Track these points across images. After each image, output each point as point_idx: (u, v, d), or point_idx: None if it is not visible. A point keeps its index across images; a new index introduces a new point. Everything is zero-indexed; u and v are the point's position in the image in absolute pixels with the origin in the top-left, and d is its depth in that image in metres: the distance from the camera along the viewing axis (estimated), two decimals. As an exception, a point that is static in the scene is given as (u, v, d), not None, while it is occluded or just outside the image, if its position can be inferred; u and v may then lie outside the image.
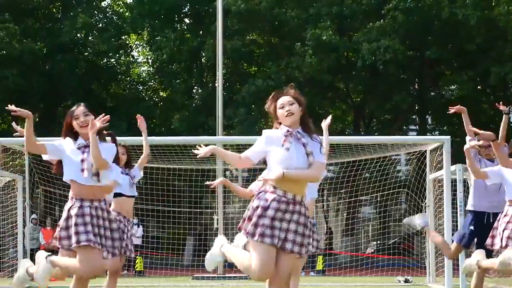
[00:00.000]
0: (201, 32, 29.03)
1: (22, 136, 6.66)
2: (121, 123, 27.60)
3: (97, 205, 6.43)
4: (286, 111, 5.61)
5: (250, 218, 5.53)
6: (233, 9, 26.52)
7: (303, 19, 26.86)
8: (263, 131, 5.73)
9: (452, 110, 9.66)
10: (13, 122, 6.70)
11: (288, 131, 5.58)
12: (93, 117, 6.43)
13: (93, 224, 6.36)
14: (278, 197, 5.49)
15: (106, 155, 6.41)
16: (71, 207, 6.40)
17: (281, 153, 5.50)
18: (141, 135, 9.44)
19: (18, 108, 6.41)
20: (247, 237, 5.52)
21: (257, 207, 5.51)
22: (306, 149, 5.54)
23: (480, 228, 9.04)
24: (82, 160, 6.36)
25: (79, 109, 6.48)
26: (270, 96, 5.83)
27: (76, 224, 6.30)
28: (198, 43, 28.01)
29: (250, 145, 5.82)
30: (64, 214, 6.40)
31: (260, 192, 5.60)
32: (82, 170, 6.34)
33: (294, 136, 5.56)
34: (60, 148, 6.47)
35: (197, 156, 5.73)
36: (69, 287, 6.57)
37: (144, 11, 29.14)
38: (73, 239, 6.27)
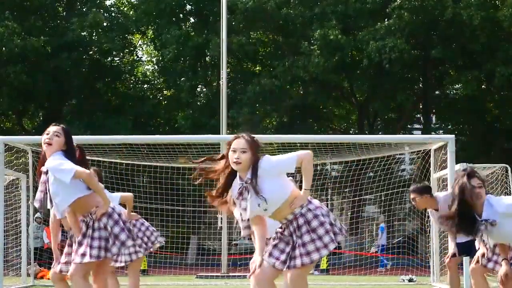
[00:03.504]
0: (205, 30, 29.01)
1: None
2: (126, 122, 27.62)
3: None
4: (235, 158, 5.58)
5: None
6: (239, 6, 26.49)
7: (308, 18, 26.84)
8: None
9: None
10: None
11: (242, 185, 5.59)
12: (59, 139, 6.22)
13: None
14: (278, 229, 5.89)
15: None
16: None
17: (242, 212, 5.64)
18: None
19: None
20: None
21: None
22: (259, 197, 5.54)
23: None
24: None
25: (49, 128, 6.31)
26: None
27: None
28: (202, 41, 27.99)
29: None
30: None
31: None
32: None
33: (246, 190, 5.57)
34: None
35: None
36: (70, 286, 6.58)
37: (148, 10, 29.14)
38: None
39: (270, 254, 5.69)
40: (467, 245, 8.72)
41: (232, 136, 5.75)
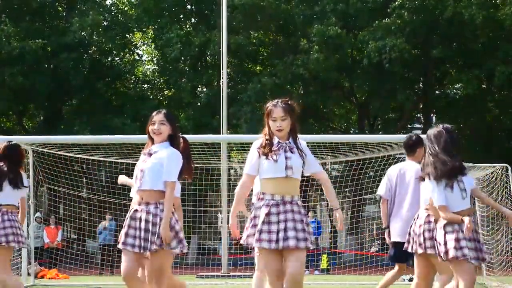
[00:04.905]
0: (206, 30, 29.00)
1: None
2: (127, 122, 27.59)
3: (142, 208, 6.50)
4: (277, 126, 6.04)
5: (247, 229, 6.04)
6: (236, 3, 26.47)
7: (308, 16, 26.84)
8: (254, 143, 6.14)
9: None
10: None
11: (279, 142, 6.05)
12: (169, 126, 6.59)
13: (134, 227, 6.50)
14: (266, 202, 5.96)
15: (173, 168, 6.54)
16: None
17: (271, 163, 5.98)
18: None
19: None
20: (245, 244, 6.07)
21: (254, 217, 6.03)
22: (287, 163, 5.98)
23: None
24: (141, 170, 6.56)
25: (157, 116, 6.63)
26: (267, 105, 6.17)
27: (127, 226, 6.52)
28: (203, 41, 27.97)
29: (255, 143, 5.94)
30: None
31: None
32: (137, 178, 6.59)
33: (283, 149, 6.03)
34: None
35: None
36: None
37: (149, 8, 29.12)
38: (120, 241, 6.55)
39: (259, 239, 5.87)
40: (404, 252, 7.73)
41: (269, 105, 6.12)
